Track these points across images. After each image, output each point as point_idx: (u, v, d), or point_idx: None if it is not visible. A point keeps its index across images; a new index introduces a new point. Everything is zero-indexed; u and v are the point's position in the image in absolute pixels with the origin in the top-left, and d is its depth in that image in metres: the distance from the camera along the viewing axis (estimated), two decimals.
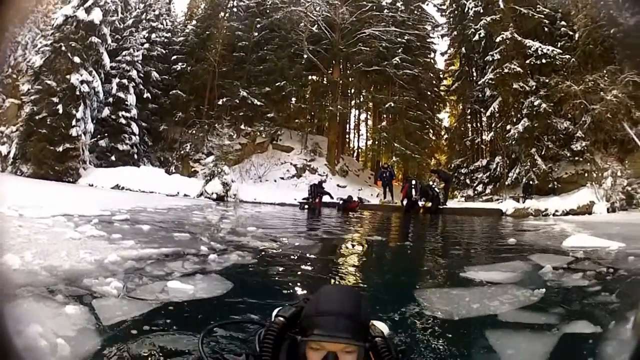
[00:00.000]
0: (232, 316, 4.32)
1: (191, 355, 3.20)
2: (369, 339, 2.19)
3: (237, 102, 30.53)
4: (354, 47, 31.25)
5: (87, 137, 26.39)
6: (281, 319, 2.30)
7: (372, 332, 2.28)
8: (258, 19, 32.68)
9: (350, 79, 34.42)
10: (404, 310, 4.89)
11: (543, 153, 24.30)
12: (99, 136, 27.68)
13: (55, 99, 24.88)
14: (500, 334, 4.20)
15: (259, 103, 30.62)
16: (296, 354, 2.11)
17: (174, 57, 32.12)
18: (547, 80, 24.31)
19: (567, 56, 24.21)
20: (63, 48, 24.88)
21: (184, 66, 31.64)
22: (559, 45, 25.03)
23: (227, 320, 4.05)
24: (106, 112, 27.80)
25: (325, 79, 34.31)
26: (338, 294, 2.19)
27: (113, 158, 27.52)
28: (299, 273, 6.88)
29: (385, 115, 34.70)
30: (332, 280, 6.37)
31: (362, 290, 5.79)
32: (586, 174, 22.67)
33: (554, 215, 20.36)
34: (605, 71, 22.07)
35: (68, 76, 25.16)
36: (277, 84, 30.98)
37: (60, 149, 25.01)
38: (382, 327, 2.77)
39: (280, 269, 6.80)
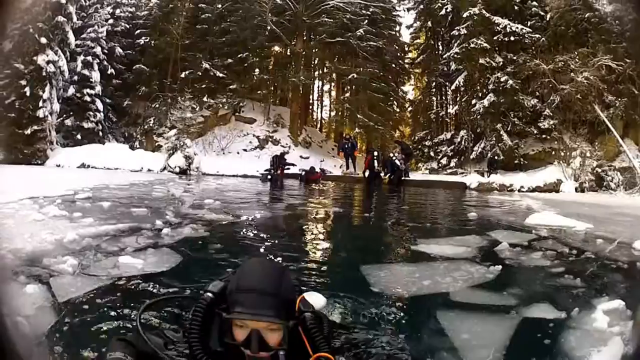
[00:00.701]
0: (174, 290, 4.25)
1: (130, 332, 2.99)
2: (296, 315, 2.16)
3: (200, 74, 30.41)
4: (317, 19, 31.20)
5: (54, 118, 26.03)
6: (209, 294, 2.24)
7: (302, 307, 2.20)
8: None
9: (313, 50, 34.56)
10: (349, 287, 4.55)
11: (509, 129, 24.63)
12: (64, 115, 27.31)
13: (23, 82, 24.46)
14: (453, 316, 3.94)
15: (221, 75, 30.53)
16: (225, 330, 2.07)
17: (138, 31, 31.64)
18: (514, 58, 24.55)
19: (537, 35, 24.43)
20: (31, 30, 24.31)
21: (148, 40, 31.24)
22: (529, 24, 25.13)
23: (164, 295, 3.99)
24: (71, 90, 27.40)
25: (288, 50, 34.17)
26: (259, 270, 2.16)
27: (79, 137, 27.24)
28: (250, 246, 6.72)
29: (348, 87, 34.85)
30: (280, 254, 6.07)
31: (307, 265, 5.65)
32: (554, 152, 23.22)
33: (519, 191, 20.69)
34: (576, 53, 22.25)
35: (35, 57, 24.74)
36: (239, 56, 30.86)
37: (29, 131, 24.71)
38: (318, 299, 2.88)
39: (231, 242, 6.79)
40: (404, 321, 3.84)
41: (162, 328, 2.56)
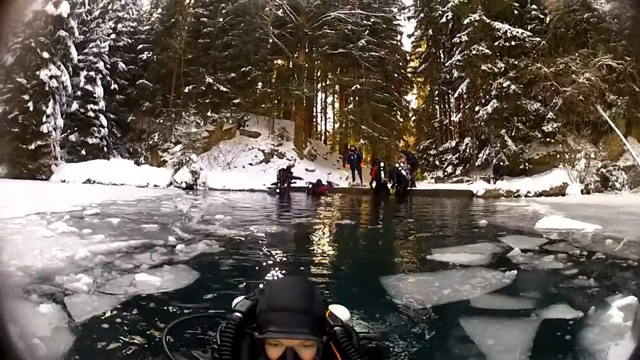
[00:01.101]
0: (196, 308, 4.17)
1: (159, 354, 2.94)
2: (327, 330, 2.19)
3: (203, 89, 30.23)
4: (319, 30, 31.14)
5: (58, 133, 25.84)
6: (238, 314, 2.26)
7: (331, 322, 2.25)
8: (223, 4, 32.00)
9: (316, 62, 34.53)
10: (372, 300, 4.70)
11: (513, 134, 24.71)
12: (68, 131, 27.14)
13: (26, 97, 24.34)
14: (476, 322, 4.02)
15: (224, 89, 30.38)
16: (256, 350, 2.07)
17: (140, 46, 31.61)
18: (516, 62, 24.64)
19: (538, 39, 24.48)
20: (32, 44, 24.40)
21: (150, 55, 31.16)
22: (529, 28, 25.24)
23: (189, 315, 3.85)
24: (75, 106, 27.36)
25: (290, 62, 34.11)
26: (289, 288, 2.15)
27: (83, 152, 27.13)
28: (266, 261, 6.70)
29: (352, 98, 34.78)
30: (301, 268, 6.21)
31: (327, 278, 5.71)
32: (558, 156, 23.32)
33: (526, 196, 20.61)
34: (577, 54, 22.39)
35: (37, 72, 24.66)
36: (242, 69, 30.66)
37: (32, 146, 24.56)
38: (342, 311, 2.88)
39: (246, 257, 6.73)
40: (429, 330, 3.90)
41: (189, 349, 2.51)
